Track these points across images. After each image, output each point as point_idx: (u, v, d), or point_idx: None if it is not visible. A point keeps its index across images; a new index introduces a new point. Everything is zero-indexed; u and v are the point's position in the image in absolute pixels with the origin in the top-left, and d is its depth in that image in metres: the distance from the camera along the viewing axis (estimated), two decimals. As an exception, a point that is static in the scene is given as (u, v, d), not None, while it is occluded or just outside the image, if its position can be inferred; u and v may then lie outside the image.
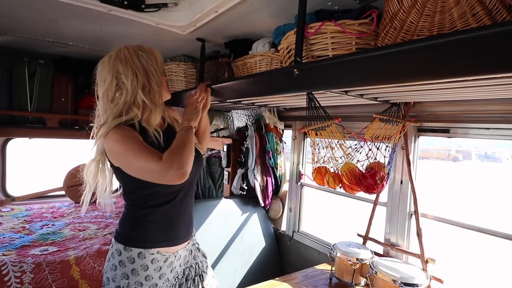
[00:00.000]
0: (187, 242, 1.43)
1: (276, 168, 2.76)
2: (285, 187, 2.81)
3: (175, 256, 1.35)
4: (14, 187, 3.55)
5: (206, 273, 1.50)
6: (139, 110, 1.24)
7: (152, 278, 1.28)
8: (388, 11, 1.03)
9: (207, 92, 1.53)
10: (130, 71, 1.23)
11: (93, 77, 1.34)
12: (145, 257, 1.27)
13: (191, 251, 1.47)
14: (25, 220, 2.85)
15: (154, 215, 1.30)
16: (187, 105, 1.44)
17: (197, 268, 1.48)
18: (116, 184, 1.39)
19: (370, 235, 2.02)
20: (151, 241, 1.29)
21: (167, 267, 1.33)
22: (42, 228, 2.67)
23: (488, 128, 1.56)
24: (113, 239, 1.35)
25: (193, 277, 1.45)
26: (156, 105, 1.28)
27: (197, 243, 1.56)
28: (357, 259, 1.73)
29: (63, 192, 3.53)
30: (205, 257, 1.56)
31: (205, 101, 1.52)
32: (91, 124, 1.34)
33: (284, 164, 2.83)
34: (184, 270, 1.43)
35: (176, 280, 1.39)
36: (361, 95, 1.44)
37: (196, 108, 1.42)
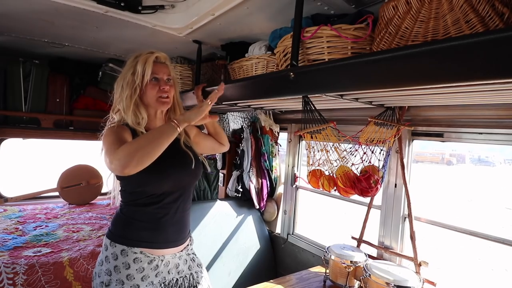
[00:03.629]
0: (179, 248, 1.41)
1: (271, 171, 2.77)
2: (280, 189, 2.82)
3: (162, 261, 1.33)
4: (7, 188, 3.52)
5: (200, 284, 1.48)
6: (116, 116, 1.36)
7: (134, 278, 1.27)
8: (384, 16, 1.05)
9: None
10: (117, 81, 1.37)
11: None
12: (127, 255, 1.27)
13: (186, 260, 1.45)
14: (18, 221, 2.82)
15: (140, 215, 1.31)
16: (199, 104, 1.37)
17: (192, 279, 1.46)
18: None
19: (364, 238, 2.03)
20: (134, 240, 1.29)
21: (152, 270, 1.30)
22: (35, 229, 2.64)
23: (481, 133, 1.58)
24: (105, 235, 1.37)
25: (186, 287, 1.43)
26: (124, 113, 1.33)
27: (193, 253, 1.53)
28: (351, 261, 1.74)
29: (57, 193, 3.50)
30: (201, 268, 1.54)
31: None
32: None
33: (280, 167, 2.84)
34: (177, 279, 1.41)
35: (163, 286, 1.36)
36: (356, 99, 1.45)
37: (202, 108, 1.27)
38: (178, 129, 1.20)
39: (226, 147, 1.72)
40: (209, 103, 1.29)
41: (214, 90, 1.34)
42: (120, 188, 1.38)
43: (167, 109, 1.44)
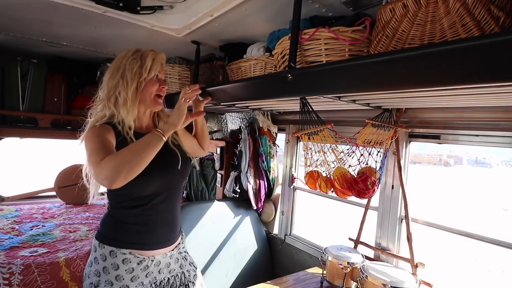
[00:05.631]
0: (170, 248, 1.40)
1: (269, 171, 2.77)
2: (277, 190, 2.82)
3: (152, 261, 1.32)
4: (4, 187, 3.50)
5: (193, 282, 1.47)
6: (111, 107, 1.30)
7: (123, 279, 1.26)
8: (381, 19, 1.05)
9: (202, 98, 1.54)
10: (112, 70, 1.31)
11: (96, 78, 1.37)
12: (116, 256, 1.26)
13: (177, 259, 1.44)
14: (14, 220, 2.81)
15: (127, 216, 1.30)
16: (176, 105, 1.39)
17: (183, 278, 1.45)
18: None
19: (361, 239, 2.04)
20: (123, 241, 1.29)
21: (141, 271, 1.30)
22: (32, 229, 2.64)
23: (478, 135, 1.58)
24: (94, 237, 1.36)
25: (177, 286, 1.42)
26: (124, 105, 1.28)
27: (185, 251, 1.52)
28: (348, 263, 1.74)
29: (54, 193, 3.49)
30: (194, 266, 1.53)
31: (199, 106, 1.53)
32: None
33: (277, 167, 2.84)
34: (169, 278, 1.40)
35: (154, 286, 1.35)
36: (354, 101, 1.46)
37: (181, 109, 1.27)
38: (164, 138, 1.21)
39: (205, 152, 1.72)
40: (187, 101, 1.32)
41: (185, 88, 1.37)
42: (105, 190, 1.36)
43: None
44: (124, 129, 1.29)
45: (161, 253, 1.36)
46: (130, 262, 1.27)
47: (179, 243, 1.47)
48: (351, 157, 1.55)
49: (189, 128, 1.66)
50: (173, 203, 1.40)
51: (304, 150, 1.53)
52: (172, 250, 1.42)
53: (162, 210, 1.35)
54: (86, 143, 1.22)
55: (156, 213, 1.33)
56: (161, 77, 1.38)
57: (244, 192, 2.72)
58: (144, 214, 1.30)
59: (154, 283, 1.35)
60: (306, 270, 2.05)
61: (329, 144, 1.42)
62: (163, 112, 1.50)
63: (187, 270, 1.48)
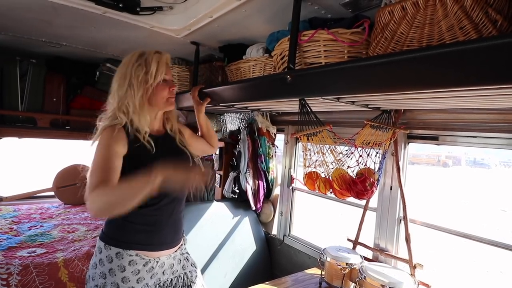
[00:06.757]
0: (173, 249, 1.40)
1: (268, 172, 2.77)
2: (276, 191, 2.83)
3: (157, 262, 1.33)
4: (2, 187, 3.50)
5: (195, 283, 1.48)
6: (124, 115, 1.28)
7: (129, 280, 1.26)
8: (380, 21, 1.06)
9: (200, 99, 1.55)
10: (119, 78, 1.30)
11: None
12: (122, 258, 1.26)
13: (180, 260, 1.45)
14: (12, 221, 2.81)
15: (135, 217, 1.28)
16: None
17: (186, 279, 1.46)
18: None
19: (359, 240, 2.04)
20: (130, 242, 1.28)
21: (147, 272, 1.30)
22: (30, 229, 2.63)
23: (476, 137, 1.59)
24: (98, 237, 1.36)
25: (180, 287, 1.43)
26: (134, 113, 1.28)
27: (186, 252, 1.53)
28: (346, 263, 1.74)
29: (52, 193, 3.49)
30: (195, 267, 1.54)
31: (200, 108, 1.54)
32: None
33: (276, 168, 2.85)
34: (172, 279, 1.41)
35: (158, 287, 1.35)
36: (353, 102, 1.46)
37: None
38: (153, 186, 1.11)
39: (214, 149, 1.73)
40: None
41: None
42: None
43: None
44: (141, 134, 1.29)
45: (166, 254, 1.37)
46: (136, 263, 1.27)
47: (181, 244, 1.48)
48: (350, 158, 1.56)
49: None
50: (179, 204, 1.41)
51: (303, 151, 1.53)
52: (176, 251, 1.43)
53: (169, 211, 1.35)
54: (96, 152, 1.21)
55: (163, 214, 1.33)
56: (169, 79, 1.38)
57: (243, 193, 2.72)
58: (152, 214, 1.31)
59: (158, 284, 1.36)
60: (305, 270, 2.05)
61: (328, 145, 1.43)
62: (171, 113, 1.49)
63: (189, 271, 1.49)
